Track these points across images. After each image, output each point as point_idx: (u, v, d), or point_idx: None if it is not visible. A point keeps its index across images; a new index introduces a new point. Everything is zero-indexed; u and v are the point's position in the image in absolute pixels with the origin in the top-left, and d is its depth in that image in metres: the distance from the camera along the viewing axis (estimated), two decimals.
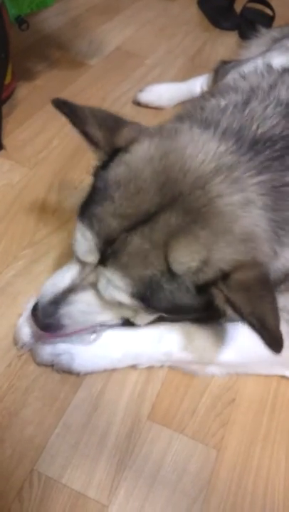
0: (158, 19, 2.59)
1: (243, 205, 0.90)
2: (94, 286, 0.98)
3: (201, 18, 2.67)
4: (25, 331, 1.13)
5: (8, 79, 1.77)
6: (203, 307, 0.94)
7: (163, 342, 1.11)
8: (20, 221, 1.45)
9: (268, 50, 1.78)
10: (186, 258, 0.88)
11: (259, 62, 1.70)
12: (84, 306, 1.02)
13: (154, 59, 2.27)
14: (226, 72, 1.83)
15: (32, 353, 1.13)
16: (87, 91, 1.99)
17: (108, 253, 0.92)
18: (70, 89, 1.98)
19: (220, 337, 1.13)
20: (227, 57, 2.10)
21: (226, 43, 2.50)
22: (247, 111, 1.02)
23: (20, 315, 1.18)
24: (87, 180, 1.04)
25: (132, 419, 1.08)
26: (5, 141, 1.68)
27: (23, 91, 1.91)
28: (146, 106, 1.97)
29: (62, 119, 1.85)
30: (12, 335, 1.17)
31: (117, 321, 1.10)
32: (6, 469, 0.98)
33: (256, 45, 2.04)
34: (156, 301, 0.93)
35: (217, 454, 1.06)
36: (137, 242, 0.90)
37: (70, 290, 1.02)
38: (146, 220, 0.89)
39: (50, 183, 1.58)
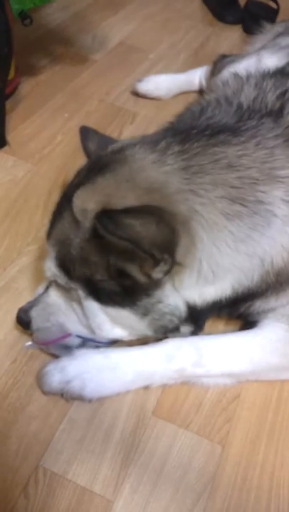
0: (161, 13, 2.58)
1: (153, 162, 0.92)
2: None
3: (205, 12, 2.65)
4: None
5: (11, 74, 1.77)
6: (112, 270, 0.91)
7: (174, 360, 1.08)
8: (25, 217, 1.45)
9: (263, 46, 1.78)
10: (82, 202, 0.91)
11: (253, 60, 1.72)
12: (47, 297, 1.08)
13: (157, 53, 2.26)
14: (223, 66, 1.85)
15: (38, 382, 1.08)
16: (91, 86, 1.99)
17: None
18: (74, 85, 1.97)
19: (230, 348, 1.12)
20: (229, 52, 2.11)
21: (229, 37, 2.49)
22: (198, 116, 1.07)
23: None
24: None
25: (137, 415, 1.08)
26: (9, 137, 1.68)
27: (27, 86, 1.91)
28: (144, 96, 1.98)
29: (66, 115, 1.88)
30: (17, 331, 1.17)
31: (81, 328, 1.07)
32: (11, 465, 0.98)
33: (261, 40, 2.05)
34: (72, 264, 0.94)
35: (222, 449, 1.06)
36: (60, 205, 0.98)
37: (46, 289, 1.10)
38: (73, 188, 0.97)
39: (54, 178, 1.57)
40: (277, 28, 2.01)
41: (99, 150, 1.08)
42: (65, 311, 1.07)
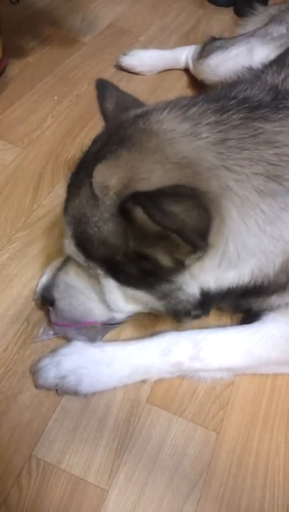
0: None
1: (186, 134, 0.86)
2: None
3: None
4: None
5: None
6: (134, 254, 0.87)
7: (171, 354, 1.07)
8: (14, 202, 1.42)
9: (253, 33, 1.74)
10: (104, 177, 0.86)
11: (243, 49, 1.68)
12: (66, 276, 1.04)
13: (148, 36, 2.22)
14: (212, 50, 1.82)
15: (33, 376, 1.06)
16: (81, 68, 1.95)
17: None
18: (63, 67, 1.93)
19: (229, 343, 1.10)
20: (221, 34, 2.08)
21: (221, 19, 2.45)
22: (231, 88, 1.01)
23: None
24: None
25: (131, 403, 1.07)
26: None
27: (15, 68, 1.87)
28: (127, 70, 1.97)
29: (55, 98, 1.84)
30: (7, 318, 1.15)
31: (104, 309, 1.05)
32: (3, 455, 0.96)
33: (252, 23, 2.01)
34: (90, 244, 0.90)
35: (217, 436, 1.05)
36: (77, 178, 0.92)
37: (64, 263, 1.06)
38: (91, 159, 0.91)
39: (44, 163, 1.54)
40: (271, 10, 1.97)
41: (118, 111, 1.02)
42: (85, 290, 1.03)
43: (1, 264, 1.26)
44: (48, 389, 1.04)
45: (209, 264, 0.90)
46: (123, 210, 0.82)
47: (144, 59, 1.98)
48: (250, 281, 0.95)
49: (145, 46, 2.14)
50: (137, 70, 1.97)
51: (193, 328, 1.12)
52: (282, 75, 1.04)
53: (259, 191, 0.87)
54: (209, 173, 0.85)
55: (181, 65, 2.03)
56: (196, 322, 1.15)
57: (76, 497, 0.94)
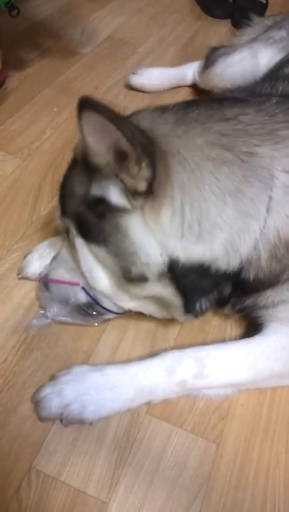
0: (150, 7, 2.55)
1: (153, 118, 0.94)
2: None
3: (193, 6, 2.64)
4: (34, 266, 1.22)
5: None
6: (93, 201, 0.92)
7: (175, 373, 1.05)
8: (14, 214, 1.42)
9: (255, 39, 1.76)
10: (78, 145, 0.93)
11: (246, 54, 1.71)
12: (60, 254, 1.14)
13: (146, 47, 2.24)
14: (215, 59, 1.83)
15: (36, 407, 1.03)
16: (80, 80, 1.96)
17: None
18: (63, 79, 1.94)
19: (232, 358, 1.08)
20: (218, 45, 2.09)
21: (218, 31, 2.47)
22: None
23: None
24: None
25: (131, 414, 1.06)
26: None
27: (15, 80, 1.88)
28: (137, 89, 1.97)
29: (55, 109, 1.85)
30: (7, 329, 1.15)
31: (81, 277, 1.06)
32: (3, 468, 0.96)
33: (248, 34, 2.04)
34: (65, 200, 1.01)
35: (217, 447, 1.05)
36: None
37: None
38: None
39: (43, 174, 1.55)
40: (266, 21, 2.00)
41: None
42: (71, 263, 1.08)
43: (0, 275, 1.27)
44: (54, 419, 1.02)
45: (168, 224, 0.89)
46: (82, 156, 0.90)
47: (153, 78, 1.98)
48: (226, 261, 0.93)
49: (144, 58, 2.16)
50: (147, 88, 1.97)
51: (193, 344, 1.13)
52: (267, 83, 1.12)
53: (212, 159, 0.89)
54: (160, 138, 0.89)
55: (188, 81, 2.03)
56: (196, 335, 1.16)
57: (76, 510, 0.93)
